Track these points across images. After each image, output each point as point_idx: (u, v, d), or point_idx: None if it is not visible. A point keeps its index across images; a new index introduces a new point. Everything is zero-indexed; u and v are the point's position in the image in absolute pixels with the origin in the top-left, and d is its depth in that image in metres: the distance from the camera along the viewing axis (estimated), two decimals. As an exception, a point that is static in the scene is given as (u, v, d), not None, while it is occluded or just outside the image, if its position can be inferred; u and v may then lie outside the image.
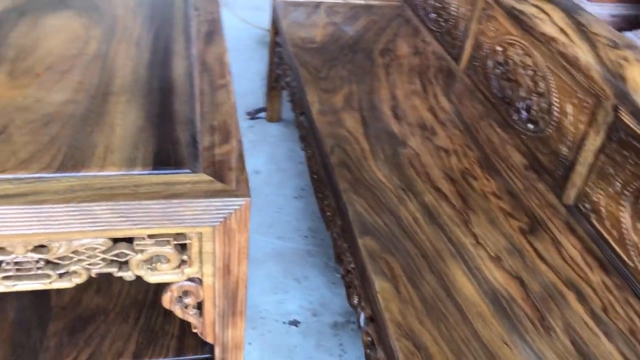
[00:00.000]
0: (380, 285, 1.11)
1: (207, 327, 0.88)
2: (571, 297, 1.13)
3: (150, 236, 0.77)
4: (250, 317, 1.66)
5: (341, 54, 1.92)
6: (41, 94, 0.91)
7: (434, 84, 1.81)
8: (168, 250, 0.79)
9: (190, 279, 0.83)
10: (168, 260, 0.80)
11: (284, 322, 1.66)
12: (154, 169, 0.78)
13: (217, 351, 0.91)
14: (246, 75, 2.84)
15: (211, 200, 0.74)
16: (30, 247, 0.75)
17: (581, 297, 1.13)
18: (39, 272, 0.77)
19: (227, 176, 0.78)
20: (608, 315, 1.10)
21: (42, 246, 0.75)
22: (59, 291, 1.05)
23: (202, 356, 0.97)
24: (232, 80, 1.01)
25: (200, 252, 0.80)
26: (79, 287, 1.08)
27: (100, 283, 1.06)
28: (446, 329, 1.04)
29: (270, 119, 2.49)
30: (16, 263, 0.76)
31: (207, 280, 0.83)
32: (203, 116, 0.91)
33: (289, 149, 2.35)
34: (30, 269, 0.77)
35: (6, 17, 1.12)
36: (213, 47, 1.11)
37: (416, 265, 1.16)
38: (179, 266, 0.81)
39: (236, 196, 0.75)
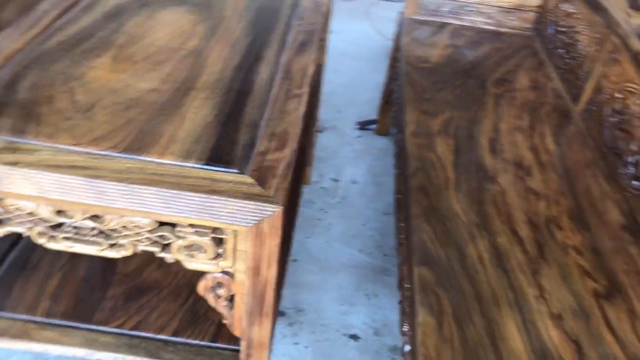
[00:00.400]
0: (423, 318, 1.08)
1: (235, 320, 0.92)
2: (631, 376, 1.03)
3: (191, 225, 0.83)
4: (311, 322, 1.69)
5: (453, 78, 1.89)
6: (132, 80, 1.00)
7: (544, 123, 1.72)
8: (206, 241, 0.83)
9: (224, 272, 0.88)
10: (205, 251, 0.85)
11: (344, 334, 1.67)
12: (205, 164, 0.84)
13: (243, 346, 0.95)
14: (367, 85, 2.87)
15: (247, 202, 0.78)
16: (87, 215, 0.83)
17: (643, 379, 1.03)
18: (92, 239, 0.85)
19: (268, 182, 0.82)
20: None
21: (97, 216, 0.84)
22: (125, 260, 1.15)
23: (233, 347, 1.01)
24: (307, 92, 1.04)
25: (235, 249, 0.84)
26: (143, 260, 1.18)
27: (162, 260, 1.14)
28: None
29: (379, 132, 2.50)
30: (75, 227, 0.85)
31: (239, 276, 0.87)
32: (268, 122, 0.95)
33: (390, 164, 2.34)
34: (85, 235, 0.85)
35: (129, 7, 1.24)
36: (302, 57, 1.15)
37: (467, 305, 1.12)
38: (214, 258, 0.86)
39: (271, 203, 0.78)
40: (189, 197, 0.79)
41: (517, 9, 2.22)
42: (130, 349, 0.99)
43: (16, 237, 1.16)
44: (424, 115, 1.68)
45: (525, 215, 1.36)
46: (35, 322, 1.01)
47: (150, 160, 0.83)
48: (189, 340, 1.02)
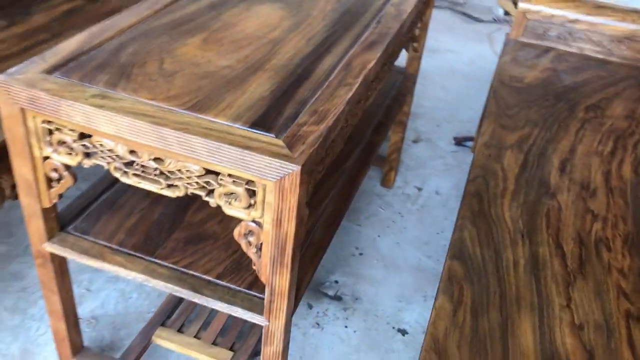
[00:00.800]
0: (441, 303, 1.16)
1: (262, 267, 1.06)
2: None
3: (230, 175, 0.98)
4: (365, 311, 1.79)
5: (542, 99, 1.90)
6: (214, 58, 1.18)
7: (628, 152, 1.69)
8: (240, 190, 0.99)
9: (255, 222, 1.02)
10: (240, 200, 1.00)
11: (393, 327, 1.75)
12: (250, 127, 0.99)
13: (267, 292, 1.09)
14: (472, 104, 2.91)
15: (272, 159, 0.92)
16: (152, 157, 1.02)
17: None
18: (155, 178, 1.04)
19: (295, 147, 0.95)
20: None
21: (160, 159, 1.02)
22: (193, 212, 1.34)
23: (261, 296, 1.15)
24: (360, 82, 1.16)
25: (264, 201, 0.98)
26: (207, 214, 1.35)
27: (224, 216, 1.31)
28: (482, 351, 1.05)
29: (474, 150, 2.53)
30: (142, 166, 1.04)
31: (266, 226, 1.01)
32: (316, 101, 1.08)
33: (478, 181, 2.37)
34: (150, 174, 1.04)
35: (231, 0, 1.45)
36: (366, 54, 1.27)
37: (488, 301, 1.17)
38: (247, 207, 1.01)
39: (292, 163, 0.92)
40: (229, 150, 0.94)
41: (630, 38, 2.17)
42: (179, 282, 1.17)
43: (112, 181, 1.39)
44: (501, 128, 1.73)
45: (575, 233, 1.37)
46: (110, 248, 1.22)
47: (206, 118, 1.00)
48: (228, 284, 1.17)
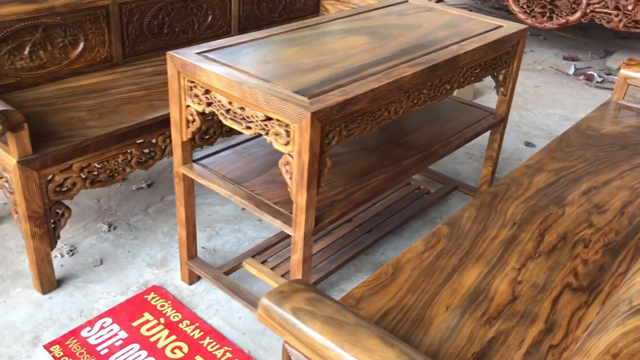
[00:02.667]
0: (416, 245, 1.55)
1: (292, 189, 1.59)
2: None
3: (277, 120, 1.55)
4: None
5: (604, 145, 2.13)
6: (301, 58, 1.77)
7: (665, 193, 1.86)
8: (282, 131, 1.54)
9: (290, 155, 1.56)
10: (282, 137, 1.55)
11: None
12: (294, 92, 1.55)
13: (294, 208, 1.61)
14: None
15: (297, 107, 1.46)
16: (238, 106, 1.63)
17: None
18: (240, 121, 1.65)
19: (314, 104, 1.48)
20: None
21: (242, 108, 1.63)
22: (275, 168, 1.92)
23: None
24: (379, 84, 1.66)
25: (294, 139, 1.52)
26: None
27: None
28: (424, 284, 1.43)
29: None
30: (234, 113, 1.65)
31: (295, 158, 1.54)
32: (349, 85, 1.61)
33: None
34: (237, 118, 1.65)
35: (336, 32, 2.05)
36: (407, 68, 1.76)
37: (454, 252, 1.53)
38: (286, 144, 1.55)
39: (306, 110, 1.45)
40: (274, 101, 1.51)
41: None
42: (249, 200, 1.74)
43: (224, 148, 2.04)
44: (549, 158, 2.02)
45: (564, 232, 1.64)
46: (217, 175, 1.84)
47: (271, 85, 1.58)
48: (277, 207, 1.71)
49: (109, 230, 2.39)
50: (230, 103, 1.65)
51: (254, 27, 2.98)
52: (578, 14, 4.25)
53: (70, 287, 2.10)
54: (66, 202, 2.01)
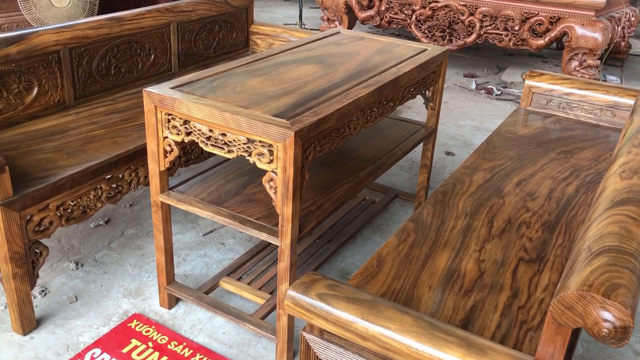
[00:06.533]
0: (391, 239, 1.77)
1: (277, 202, 1.77)
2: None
3: (260, 142, 1.73)
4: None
5: (525, 144, 2.48)
6: (266, 87, 1.97)
7: (579, 178, 2.22)
8: (265, 151, 1.73)
9: (274, 172, 1.75)
10: (265, 157, 1.74)
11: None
12: (273, 115, 1.74)
13: (280, 219, 1.79)
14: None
15: (280, 128, 1.66)
16: (220, 132, 1.80)
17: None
18: (221, 146, 1.81)
19: (294, 124, 1.68)
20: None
21: (224, 134, 1.79)
22: (251, 188, 2.08)
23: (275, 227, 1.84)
24: (348, 102, 1.89)
25: (277, 157, 1.71)
26: (259, 189, 2.09)
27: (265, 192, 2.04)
28: (406, 270, 1.65)
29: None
30: (215, 139, 1.82)
31: (279, 174, 1.73)
32: (317, 107, 1.82)
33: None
34: (218, 143, 1.81)
35: (288, 63, 2.26)
36: (361, 90, 2.01)
37: (423, 243, 1.77)
38: (269, 162, 1.74)
39: (289, 130, 1.65)
40: (259, 125, 1.69)
41: (613, 107, 2.71)
42: (232, 218, 1.90)
43: (199, 172, 2.19)
44: (482, 159, 2.33)
45: (508, 217, 1.94)
46: (195, 200, 1.98)
47: (251, 111, 1.77)
48: (260, 222, 1.88)
49: (77, 268, 2.44)
50: (211, 131, 1.81)
51: (192, 64, 3.15)
52: (474, 36, 4.75)
53: (50, 325, 2.14)
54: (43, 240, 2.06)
